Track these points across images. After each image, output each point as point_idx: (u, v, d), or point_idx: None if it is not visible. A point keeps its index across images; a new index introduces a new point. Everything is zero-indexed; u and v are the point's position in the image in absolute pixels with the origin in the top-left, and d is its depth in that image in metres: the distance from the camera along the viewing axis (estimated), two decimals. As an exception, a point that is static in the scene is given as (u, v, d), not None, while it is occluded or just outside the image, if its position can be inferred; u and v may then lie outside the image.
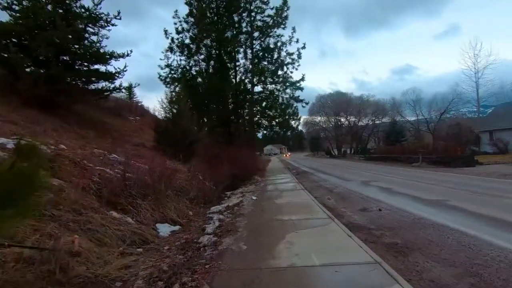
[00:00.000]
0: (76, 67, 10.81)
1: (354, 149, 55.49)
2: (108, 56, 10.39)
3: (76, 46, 10.31)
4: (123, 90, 11.57)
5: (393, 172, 16.13)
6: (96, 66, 11.05)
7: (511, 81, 37.28)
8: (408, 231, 4.76)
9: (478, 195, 7.73)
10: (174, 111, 12.20)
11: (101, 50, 10.54)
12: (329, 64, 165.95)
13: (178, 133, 11.53)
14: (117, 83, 11.27)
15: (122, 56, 10.62)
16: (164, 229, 5.49)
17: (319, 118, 63.12)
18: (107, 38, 10.72)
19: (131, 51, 10.66)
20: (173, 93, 20.14)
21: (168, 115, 11.96)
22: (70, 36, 10.04)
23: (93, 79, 11.15)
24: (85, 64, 10.67)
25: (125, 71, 11.06)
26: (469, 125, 45.27)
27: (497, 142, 28.03)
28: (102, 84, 11.21)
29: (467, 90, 35.56)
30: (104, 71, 10.84)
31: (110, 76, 10.57)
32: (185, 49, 21.56)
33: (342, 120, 60.31)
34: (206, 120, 21.56)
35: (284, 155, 74.12)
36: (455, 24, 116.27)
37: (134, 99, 30.85)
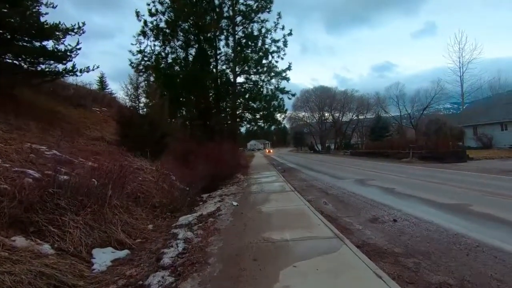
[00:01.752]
0: (19, 44, 8.74)
1: (338, 145, 54.99)
2: (52, 29, 8.37)
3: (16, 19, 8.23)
4: (78, 73, 9.54)
5: (386, 168, 15.03)
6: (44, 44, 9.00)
7: (491, 77, 37.38)
8: (453, 258, 3.35)
9: (500, 197, 6.52)
10: (142, 99, 10.35)
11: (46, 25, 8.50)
12: (311, 60, 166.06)
13: (145, 125, 9.72)
14: (83, 69, 9.29)
15: (72, 30, 8.63)
16: (103, 258, 3.80)
17: (303, 113, 62.18)
18: (53, 7, 8.68)
19: (83, 23, 8.71)
20: (145, 82, 18.24)
21: (134, 103, 10.11)
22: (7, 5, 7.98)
23: (40, 59, 9.10)
24: (26, 39, 8.60)
25: (78, 49, 9.09)
26: (445, 121, 46.04)
27: (481, 136, 27.89)
28: (55, 66, 9.18)
29: (452, 85, 35.25)
30: (51, 49, 8.81)
31: (56, 55, 8.56)
32: (160, 34, 19.45)
33: (326, 115, 59.69)
34: (184, 113, 19.66)
35: (267, 151, 72.81)
36: (431, 22, 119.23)
37: (107, 91, 28.36)
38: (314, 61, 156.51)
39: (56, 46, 8.87)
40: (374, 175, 12.10)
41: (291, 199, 7.20)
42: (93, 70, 10.06)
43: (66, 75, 9.58)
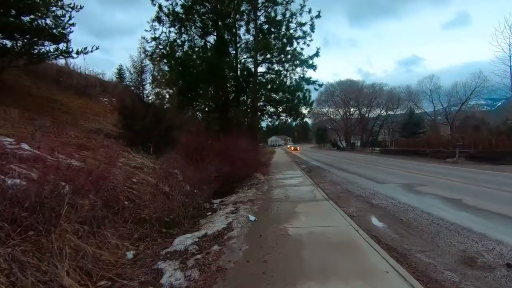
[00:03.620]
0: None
1: (365, 142, 51.79)
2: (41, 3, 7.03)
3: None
4: (73, 55, 8.23)
5: (431, 170, 12.72)
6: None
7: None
8: None
9: None
10: (148, 86, 8.89)
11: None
12: (332, 54, 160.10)
13: (149, 116, 8.25)
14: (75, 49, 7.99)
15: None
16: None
17: (326, 109, 59.27)
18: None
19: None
20: (158, 71, 16.96)
21: (137, 90, 8.65)
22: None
23: (35, 39, 7.84)
24: (12, 13, 7.35)
25: (72, 25, 7.74)
26: (483, 117, 41.58)
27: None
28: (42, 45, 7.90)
29: (499, 77, 31.13)
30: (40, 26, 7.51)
31: (40, 31, 7.22)
32: (176, 19, 18.03)
33: (352, 110, 56.51)
34: (199, 105, 18.20)
35: (292, 148, 60.94)
36: (464, 12, 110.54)
37: (125, 82, 27.66)
38: (336, 55, 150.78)
39: (46, 22, 7.53)
40: (420, 179, 9.96)
41: (327, 213, 5.40)
42: (91, 51, 8.73)
43: (60, 56, 8.27)
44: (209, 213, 5.97)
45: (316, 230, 4.22)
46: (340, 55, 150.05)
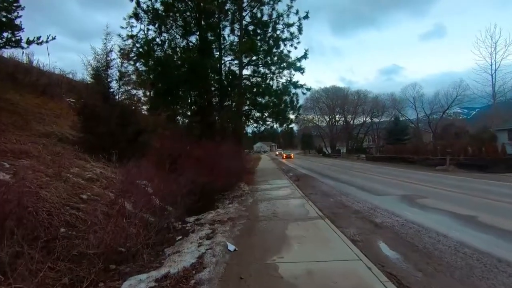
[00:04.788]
0: None
1: (350, 148, 51.74)
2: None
3: None
4: (23, 45, 6.92)
5: (425, 179, 12.04)
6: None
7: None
8: None
9: None
10: (114, 83, 7.66)
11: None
12: (316, 61, 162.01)
13: (113, 117, 7.02)
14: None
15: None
16: None
17: (312, 115, 58.99)
18: None
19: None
20: (135, 72, 15.65)
21: (99, 86, 7.38)
22: None
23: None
24: None
25: (19, 7, 6.47)
26: (462, 125, 42.60)
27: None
28: None
29: (481, 84, 31.72)
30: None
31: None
32: (155, 18, 16.82)
33: (338, 117, 56.58)
34: (180, 108, 16.96)
35: (284, 155, 49.66)
36: (440, 24, 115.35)
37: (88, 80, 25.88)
38: (319, 62, 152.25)
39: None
40: (417, 189, 9.18)
41: (325, 237, 4.37)
42: (47, 41, 7.45)
43: (7, 46, 6.94)
44: (179, 237, 4.80)
45: (315, 268, 3.17)
46: (324, 63, 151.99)
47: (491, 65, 30.46)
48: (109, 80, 7.70)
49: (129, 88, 8.67)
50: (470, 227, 4.89)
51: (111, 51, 7.54)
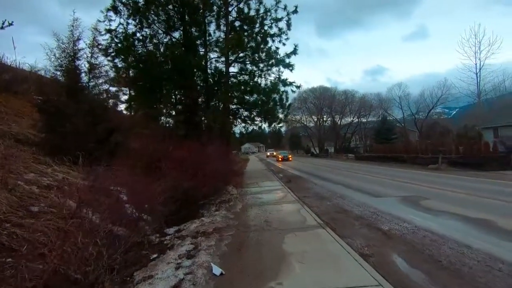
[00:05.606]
0: None
1: (338, 148, 51.71)
2: None
3: None
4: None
5: (421, 178, 11.60)
6: None
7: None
8: None
9: None
10: (84, 76, 6.71)
11: None
12: (303, 62, 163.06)
13: (80, 114, 6.10)
14: None
15: None
16: None
17: (299, 115, 58.68)
18: None
19: None
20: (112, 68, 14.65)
21: (62, 77, 6.43)
22: None
23: None
24: None
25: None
26: (445, 124, 43.44)
27: (504, 140, 24.74)
28: None
29: (466, 83, 32.13)
30: None
31: None
32: (136, 11, 15.78)
33: (325, 117, 56.54)
34: (163, 107, 15.97)
35: (280, 157, 37.20)
36: (423, 25, 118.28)
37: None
38: (306, 63, 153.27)
39: None
40: (417, 190, 8.67)
41: (330, 252, 3.66)
42: (2, 27, 6.37)
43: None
44: (155, 255, 3.98)
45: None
46: (310, 64, 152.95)
47: (476, 64, 30.85)
48: (77, 72, 6.75)
49: (100, 81, 7.74)
50: (492, 234, 4.30)
51: (79, 39, 6.61)
